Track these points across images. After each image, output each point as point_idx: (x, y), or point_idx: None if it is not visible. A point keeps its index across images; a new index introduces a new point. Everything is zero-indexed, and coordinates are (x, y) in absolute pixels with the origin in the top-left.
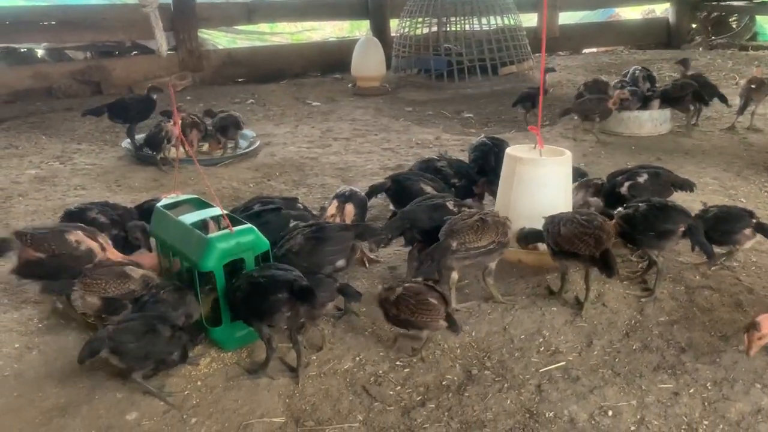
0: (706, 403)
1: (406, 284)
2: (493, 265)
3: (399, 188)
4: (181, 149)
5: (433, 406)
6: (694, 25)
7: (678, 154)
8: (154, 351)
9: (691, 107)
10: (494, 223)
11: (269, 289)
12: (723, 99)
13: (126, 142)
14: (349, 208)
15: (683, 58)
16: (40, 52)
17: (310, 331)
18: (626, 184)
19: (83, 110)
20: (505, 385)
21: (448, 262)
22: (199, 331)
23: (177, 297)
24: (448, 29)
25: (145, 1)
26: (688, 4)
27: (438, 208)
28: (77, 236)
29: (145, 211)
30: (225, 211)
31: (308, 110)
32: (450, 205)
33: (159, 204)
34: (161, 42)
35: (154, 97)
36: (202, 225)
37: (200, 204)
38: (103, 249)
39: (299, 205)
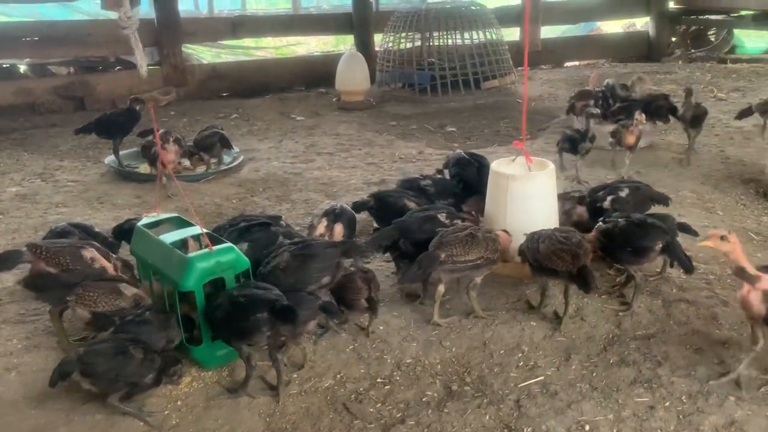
0: (681, 416)
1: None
2: (479, 279)
3: (382, 205)
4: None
5: (413, 422)
6: (673, 39)
7: (657, 168)
8: (125, 374)
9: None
10: (484, 239)
11: (249, 309)
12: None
13: (110, 159)
14: (339, 229)
15: (687, 89)
16: (23, 68)
17: (291, 349)
18: (608, 198)
19: (75, 129)
20: (485, 400)
21: (435, 273)
22: (176, 362)
23: (161, 319)
24: (431, 44)
25: (124, 23)
26: (668, 18)
27: (430, 219)
28: (92, 254)
29: (126, 231)
30: (205, 230)
31: (292, 125)
32: (442, 217)
33: (139, 223)
34: (141, 63)
35: (137, 108)
36: (182, 244)
37: (181, 223)
38: (115, 269)
39: (282, 222)
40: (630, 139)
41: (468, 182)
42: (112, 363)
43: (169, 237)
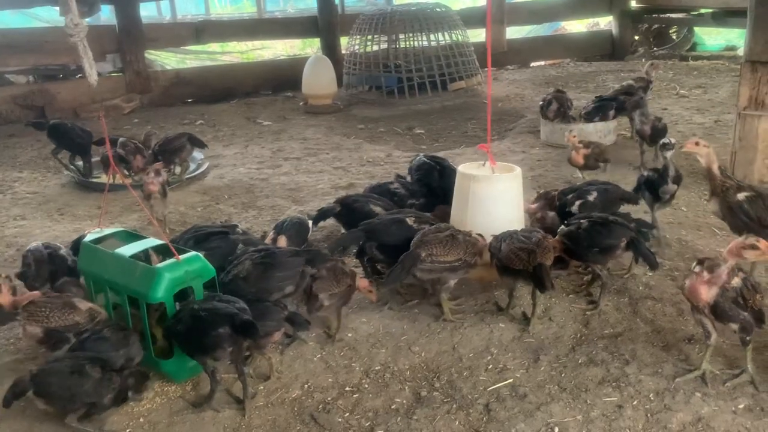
0: (648, 415)
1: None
2: (453, 282)
3: (348, 211)
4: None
5: (381, 431)
6: (636, 37)
7: (622, 165)
8: (82, 394)
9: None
10: (464, 241)
11: (211, 324)
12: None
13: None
14: (282, 242)
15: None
16: None
17: (257, 360)
18: (576, 203)
19: (28, 121)
20: (454, 406)
21: (413, 271)
22: (144, 377)
23: (120, 337)
24: (398, 46)
25: (71, 30)
26: (630, 17)
27: (398, 222)
28: None
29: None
30: (166, 240)
31: (259, 130)
32: (410, 220)
33: (86, 239)
34: (90, 72)
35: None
36: (145, 258)
37: (128, 236)
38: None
39: (239, 230)
40: (578, 159)
41: (431, 186)
42: (68, 382)
43: (128, 250)
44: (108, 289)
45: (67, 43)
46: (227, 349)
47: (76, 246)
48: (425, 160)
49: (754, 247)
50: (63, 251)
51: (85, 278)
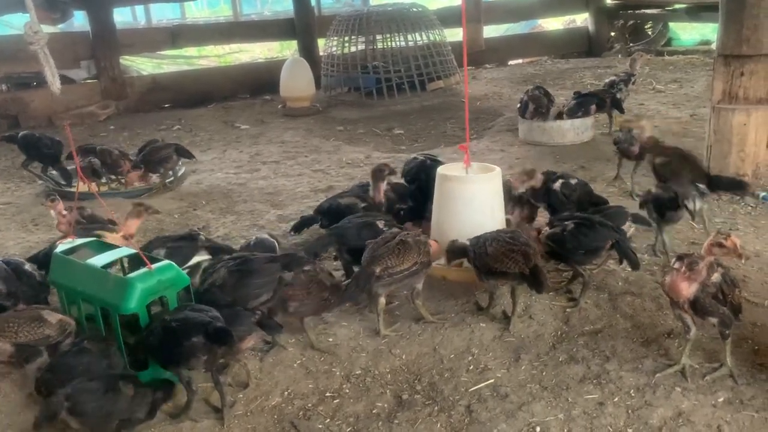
0: (630, 411)
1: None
2: (419, 285)
3: (330, 217)
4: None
5: None
6: (612, 34)
7: (600, 162)
8: (117, 411)
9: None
10: (415, 243)
11: (183, 334)
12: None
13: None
14: None
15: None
16: None
17: (234, 367)
18: (559, 181)
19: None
20: (435, 408)
21: (373, 288)
22: (171, 386)
23: (101, 348)
24: (375, 47)
25: (30, 38)
26: (606, 13)
27: (367, 226)
28: None
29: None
30: (137, 249)
31: (237, 134)
32: (380, 224)
33: (57, 250)
34: (52, 80)
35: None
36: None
37: (100, 246)
38: None
39: (201, 237)
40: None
41: (423, 184)
42: (103, 401)
43: (100, 260)
44: (81, 300)
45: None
46: (201, 357)
47: (39, 259)
48: (419, 158)
49: (720, 246)
50: (27, 266)
51: (57, 290)
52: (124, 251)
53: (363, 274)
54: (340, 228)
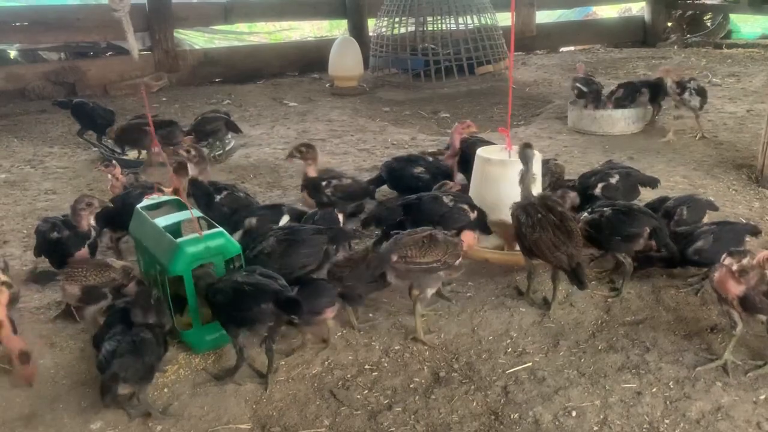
0: (667, 402)
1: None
2: (429, 291)
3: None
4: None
5: (399, 409)
6: (669, 24)
7: (649, 153)
8: (152, 360)
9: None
10: (444, 241)
11: (254, 299)
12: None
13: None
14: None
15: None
16: (13, 53)
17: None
18: (599, 185)
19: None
20: (472, 387)
21: (386, 274)
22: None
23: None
24: (425, 29)
25: (116, 5)
26: (663, 3)
27: (435, 199)
28: None
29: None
30: (200, 213)
31: (285, 111)
32: (446, 200)
33: (140, 205)
34: (133, 46)
35: None
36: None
37: (182, 205)
38: None
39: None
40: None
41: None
42: (144, 364)
43: (163, 220)
44: (146, 255)
45: (98, 20)
46: (267, 324)
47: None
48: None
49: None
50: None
51: (134, 241)
52: (188, 214)
53: (378, 257)
54: (408, 200)
